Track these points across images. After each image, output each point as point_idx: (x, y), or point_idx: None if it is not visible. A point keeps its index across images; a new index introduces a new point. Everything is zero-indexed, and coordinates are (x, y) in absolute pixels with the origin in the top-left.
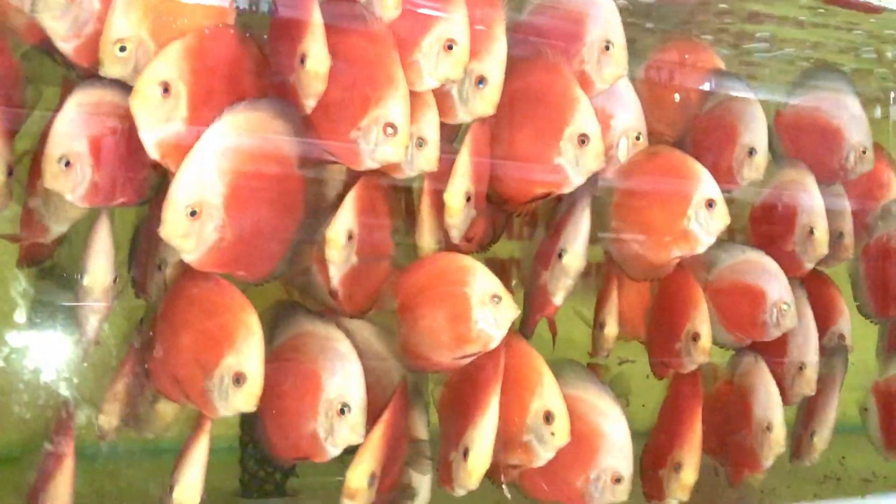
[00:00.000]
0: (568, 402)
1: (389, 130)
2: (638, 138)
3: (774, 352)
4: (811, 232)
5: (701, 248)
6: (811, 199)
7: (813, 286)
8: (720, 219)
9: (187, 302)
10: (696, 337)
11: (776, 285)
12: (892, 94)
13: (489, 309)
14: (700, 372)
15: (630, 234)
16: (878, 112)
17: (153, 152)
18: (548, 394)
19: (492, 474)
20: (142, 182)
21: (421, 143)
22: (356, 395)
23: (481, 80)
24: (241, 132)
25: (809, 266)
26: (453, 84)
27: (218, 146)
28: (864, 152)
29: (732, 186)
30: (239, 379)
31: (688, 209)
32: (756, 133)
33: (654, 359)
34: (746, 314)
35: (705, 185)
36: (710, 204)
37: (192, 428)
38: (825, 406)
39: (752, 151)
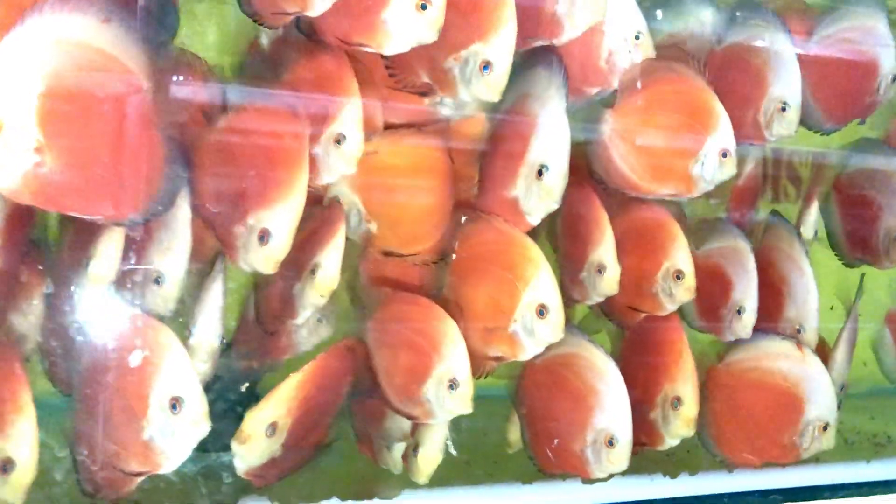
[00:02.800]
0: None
1: None
2: (637, 37)
3: (771, 315)
4: None
5: (697, 194)
6: None
7: None
8: (728, 170)
9: None
10: (678, 275)
11: (744, 283)
12: None
13: (443, 391)
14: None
15: (626, 156)
16: None
17: None
18: (542, 285)
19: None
20: None
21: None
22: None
23: (486, 66)
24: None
25: None
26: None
27: (26, 50)
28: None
29: (758, 142)
30: None
31: (699, 153)
32: (789, 85)
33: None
34: (711, 302)
35: (723, 132)
36: (724, 154)
37: None
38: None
39: (784, 106)
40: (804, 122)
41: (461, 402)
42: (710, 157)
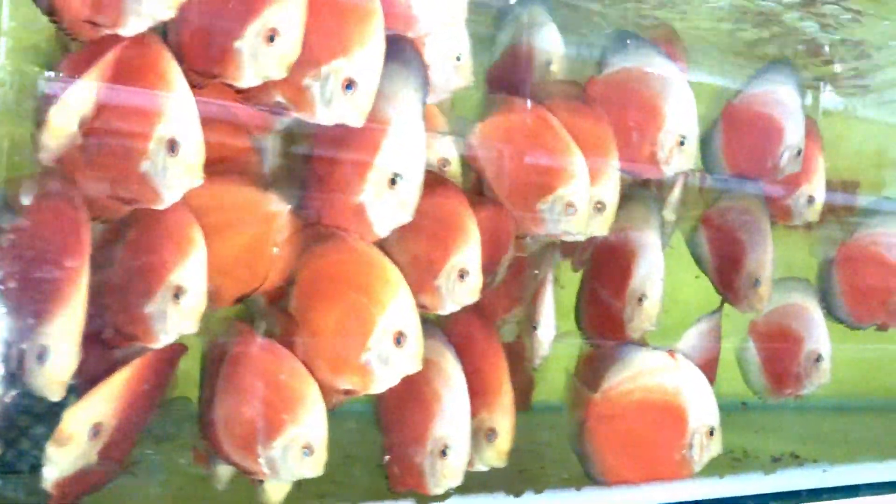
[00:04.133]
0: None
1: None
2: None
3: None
4: None
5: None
6: None
7: None
8: (574, 225)
9: None
10: (462, 274)
11: (642, 275)
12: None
13: (293, 454)
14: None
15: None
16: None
17: None
18: (401, 310)
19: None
20: None
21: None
22: None
23: (350, 84)
24: None
25: None
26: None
27: None
28: (797, 153)
29: (655, 176)
30: None
31: (548, 197)
32: (687, 118)
33: None
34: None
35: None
36: (569, 206)
37: None
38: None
39: (683, 140)
40: (709, 168)
41: (313, 468)
42: (557, 205)
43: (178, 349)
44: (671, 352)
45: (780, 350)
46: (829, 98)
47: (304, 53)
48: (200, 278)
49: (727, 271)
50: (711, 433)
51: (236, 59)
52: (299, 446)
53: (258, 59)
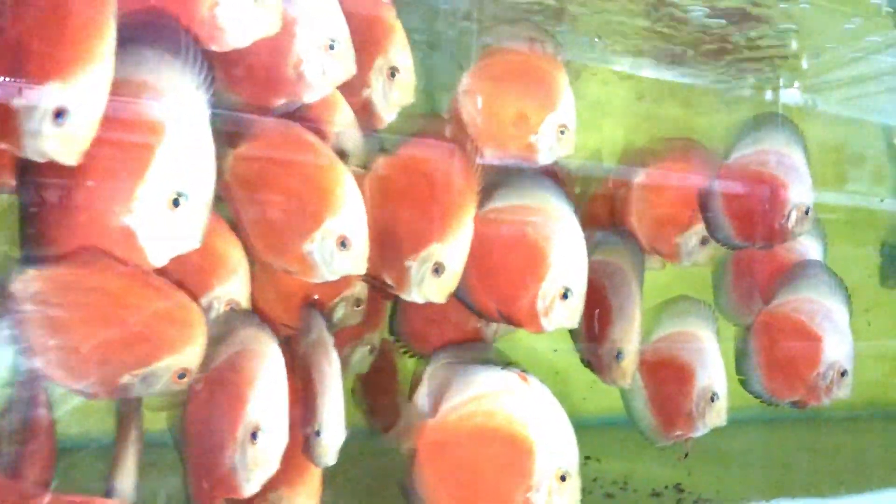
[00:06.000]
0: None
1: None
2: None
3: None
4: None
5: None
6: None
7: None
8: (350, 265)
9: None
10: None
11: None
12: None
13: None
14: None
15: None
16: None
17: None
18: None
19: None
20: None
21: None
22: None
23: (61, 114)
24: None
25: None
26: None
27: None
28: (806, 212)
29: (533, 329)
30: None
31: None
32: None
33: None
34: None
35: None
36: (341, 240)
37: None
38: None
39: (566, 293)
40: (714, 233)
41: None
42: (326, 242)
43: None
44: (523, 374)
45: (669, 385)
46: (790, 94)
47: (12, 73)
48: None
49: (592, 336)
50: (564, 479)
51: None
52: None
53: None
